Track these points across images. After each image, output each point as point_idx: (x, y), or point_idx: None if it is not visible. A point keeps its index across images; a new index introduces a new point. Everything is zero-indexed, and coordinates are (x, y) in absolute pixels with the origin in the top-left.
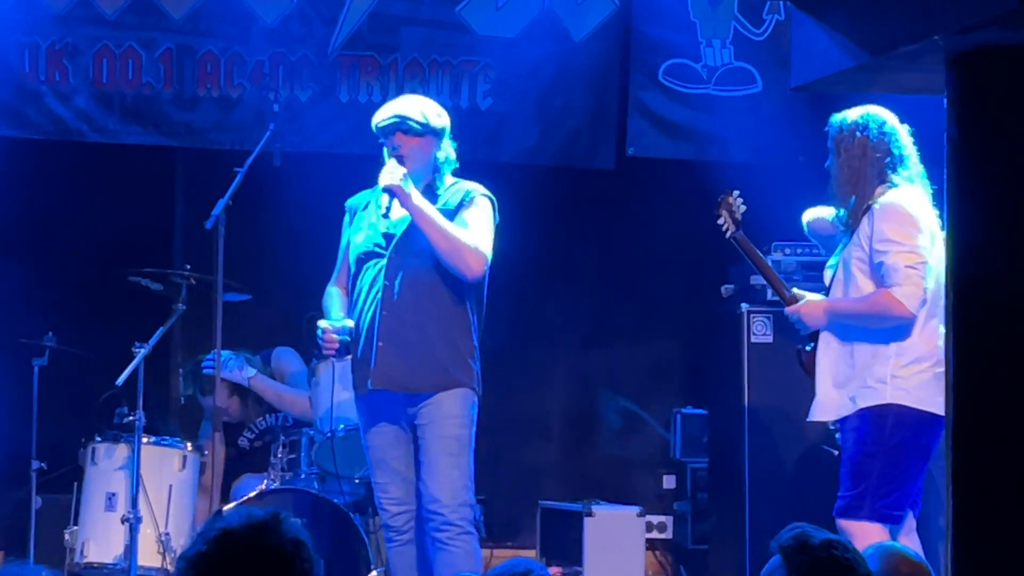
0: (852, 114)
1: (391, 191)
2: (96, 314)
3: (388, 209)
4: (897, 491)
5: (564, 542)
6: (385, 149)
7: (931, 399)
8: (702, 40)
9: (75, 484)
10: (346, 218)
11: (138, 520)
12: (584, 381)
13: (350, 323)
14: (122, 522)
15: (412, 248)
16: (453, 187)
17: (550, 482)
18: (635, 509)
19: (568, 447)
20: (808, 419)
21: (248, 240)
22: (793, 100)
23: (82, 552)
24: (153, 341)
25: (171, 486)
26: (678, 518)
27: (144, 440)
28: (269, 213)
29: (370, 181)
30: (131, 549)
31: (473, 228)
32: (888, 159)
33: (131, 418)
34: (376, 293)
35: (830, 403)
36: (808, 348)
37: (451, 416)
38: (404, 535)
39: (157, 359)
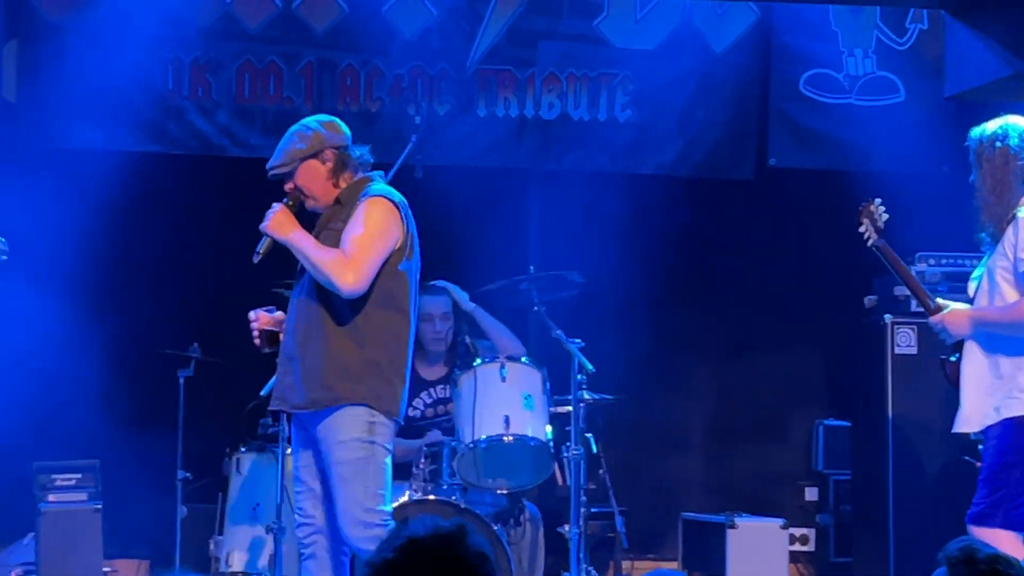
0: (991, 125)
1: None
2: (240, 325)
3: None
4: None
5: (706, 554)
6: None
7: None
8: (844, 50)
9: (220, 494)
10: None
11: (282, 530)
12: (725, 392)
13: (281, 316)
14: (267, 532)
15: (304, 271)
16: (359, 195)
17: (691, 494)
18: (778, 521)
19: (709, 458)
20: (952, 431)
21: None
22: (936, 110)
23: (227, 562)
24: None
25: None
26: (820, 531)
27: (288, 450)
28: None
29: (511, 193)
30: (276, 559)
31: (347, 243)
32: None
33: (275, 429)
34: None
35: (974, 414)
36: (953, 359)
37: (340, 440)
38: (307, 549)
39: None
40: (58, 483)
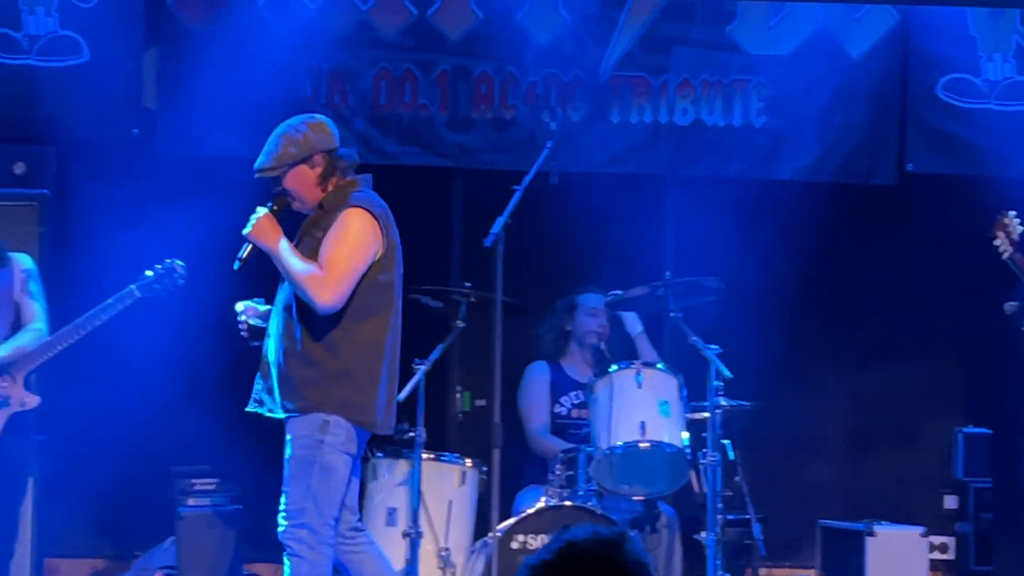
0: None
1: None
2: None
3: (241, 256)
4: None
5: (845, 562)
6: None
7: None
8: (982, 54)
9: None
10: None
11: (419, 535)
12: (863, 399)
13: (268, 310)
14: (403, 537)
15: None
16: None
17: (829, 501)
18: (918, 529)
19: (847, 465)
20: None
21: (525, 257)
22: None
23: None
24: (433, 358)
25: (451, 502)
26: (961, 539)
27: (424, 456)
28: (546, 231)
29: (646, 199)
30: (412, 564)
31: (324, 258)
32: None
33: (412, 434)
34: None
35: None
36: None
37: (295, 438)
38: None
39: (437, 376)
40: (197, 488)
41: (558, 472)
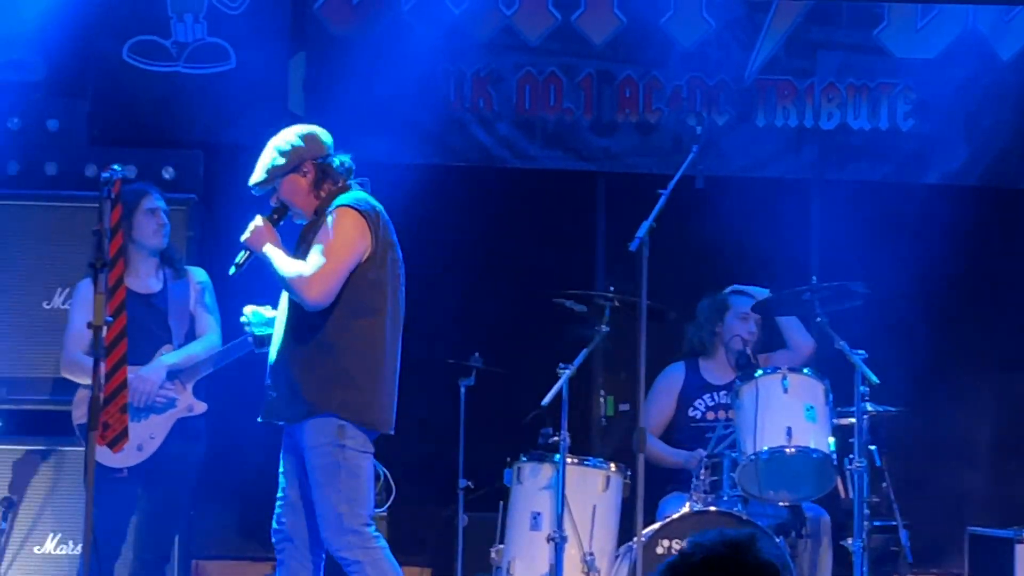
0: None
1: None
2: (521, 335)
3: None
4: None
5: (993, 570)
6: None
7: None
8: None
9: (500, 503)
10: None
11: (563, 540)
12: (1011, 404)
13: (271, 314)
14: (547, 541)
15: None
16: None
17: (977, 508)
18: None
19: (995, 472)
20: None
21: (670, 262)
22: None
23: (508, 570)
24: (577, 362)
25: (595, 506)
26: None
27: (569, 460)
28: (690, 235)
29: (791, 203)
30: (556, 569)
31: (310, 256)
32: None
33: (556, 438)
34: None
35: None
36: None
37: (315, 446)
38: (280, 555)
39: (581, 380)
40: None
41: (702, 477)
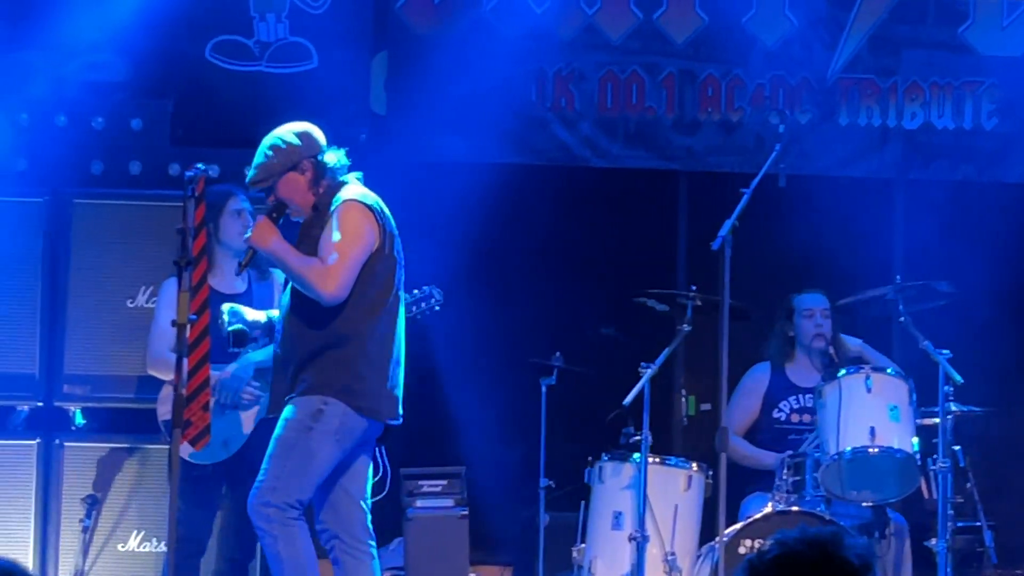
0: None
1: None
2: (603, 334)
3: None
4: None
5: None
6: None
7: None
8: None
9: (582, 502)
10: None
11: (645, 539)
12: None
13: (254, 315)
14: (629, 541)
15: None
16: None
17: None
18: None
19: None
20: None
21: (752, 260)
22: None
23: (589, 570)
24: (659, 362)
25: (676, 506)
26: None
27: (650, 459)
28: (772, 234)
29: (874, 203)
30: (638, 568)
31: (324, 251)
32: None
33: (637, 438)
34: None
35: None
36: None
37: (287, 419)
38: (331, 554)
39: (662, 379)
40: (425, 490)
41: (785, 477)
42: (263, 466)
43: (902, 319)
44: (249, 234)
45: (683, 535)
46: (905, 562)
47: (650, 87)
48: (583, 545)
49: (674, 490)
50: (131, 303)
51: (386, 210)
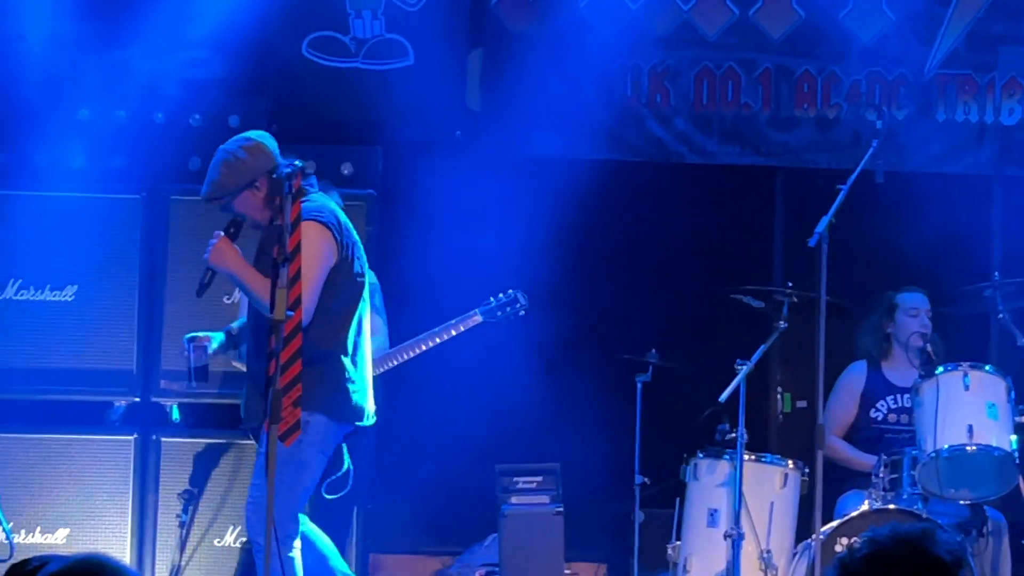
0: None
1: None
2: (698, 331)
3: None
4: None
5: None
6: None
7: None
8: None
9: (677, 499)
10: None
11: (740, 537)
12: None
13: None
14: (724, 538)
15: None
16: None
17: None
18: None
19: None
20: None
21: (848, 257)
22: None
23: (685, 567)
24: (755, 358)
25: (772, 503)
26: None
27: (746, 457)
28: (868, 230)
29: (971, 199)
30: (734, 566)
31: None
32: None
33: (733, 435)
34: None
35: None
36: None
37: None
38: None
39: (758, 376)
40: (520, 486)
41: (881, 475)
42: (254, 482)
43: (1000, 316)
44: (207, 254)
45: (779, 533)
46: (1004, 560)
47: (746, 83)
48: (678, 542)
49: (770, 487)
50: (228, 299)
51: (343, 218)
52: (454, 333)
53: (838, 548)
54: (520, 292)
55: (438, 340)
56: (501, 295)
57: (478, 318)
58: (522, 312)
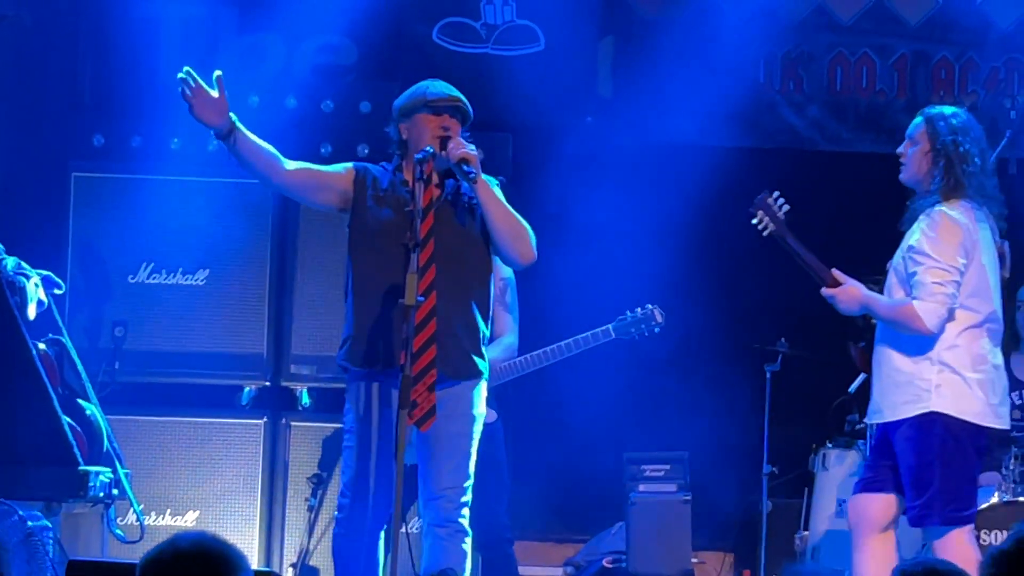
0: None
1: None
2: (828, 320)
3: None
4: None
5: None
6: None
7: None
8: None
9: (805, 489)
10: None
11: None
12: None
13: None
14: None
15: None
16: None
17: None
18: None
19: None
20: (865, 421)
21: None
22: None
23: (812, 558)
24: None
25: None
26: None
27: None
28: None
29: None
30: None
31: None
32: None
33: (861, 425)
34: None
35: (884, 406)
36: (862, 345)
37: (458, 411)
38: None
39: None
40: (648, 474)
41: (1012, 467)
42: (449, 466)
43: None
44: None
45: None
46: None
47: (881, 69)
48: (806, 532)
49: None
50: None
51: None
52: (585, 348)
53: None
54: (658, 308)
55: (568, 354)
56: (639, 310)
57: (612, 334)
58: (657, 329)
